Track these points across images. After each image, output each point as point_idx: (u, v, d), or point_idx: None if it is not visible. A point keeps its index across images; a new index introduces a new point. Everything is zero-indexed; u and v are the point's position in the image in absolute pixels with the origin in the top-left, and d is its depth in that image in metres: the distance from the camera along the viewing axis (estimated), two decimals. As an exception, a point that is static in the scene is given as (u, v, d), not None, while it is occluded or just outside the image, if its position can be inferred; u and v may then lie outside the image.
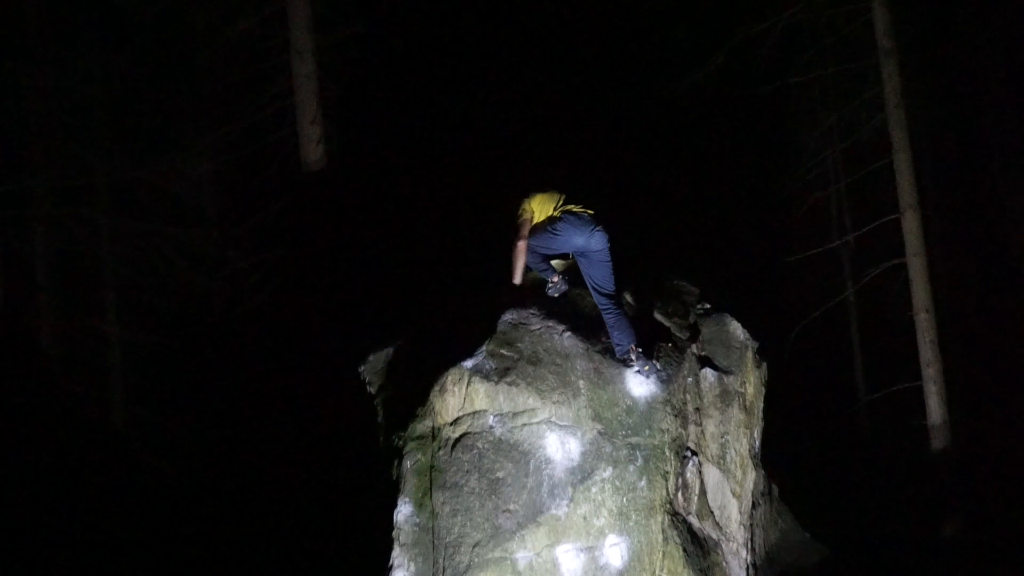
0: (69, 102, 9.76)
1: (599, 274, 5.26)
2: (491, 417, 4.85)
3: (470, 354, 4.95)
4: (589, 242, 5.25)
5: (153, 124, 10.11)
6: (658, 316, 5.66)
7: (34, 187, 9.39)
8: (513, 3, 10.88)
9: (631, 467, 4.92)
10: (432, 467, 4.76)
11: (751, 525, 5.61)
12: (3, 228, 9.26)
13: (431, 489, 4.71)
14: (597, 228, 5.27)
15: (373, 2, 9.39)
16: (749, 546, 5.51)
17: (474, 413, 4.85)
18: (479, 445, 4.80)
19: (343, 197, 8.88)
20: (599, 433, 4.94)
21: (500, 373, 4.91)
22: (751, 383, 5.71)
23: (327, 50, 9.26)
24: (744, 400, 5.64)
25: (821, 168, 10.69)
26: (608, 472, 4.88)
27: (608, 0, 10.91)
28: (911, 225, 8.33)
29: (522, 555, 4.67)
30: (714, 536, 5.30)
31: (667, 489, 4.99)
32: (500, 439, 4.82)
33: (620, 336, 5.16)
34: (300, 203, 9.00)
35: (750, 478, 5.64)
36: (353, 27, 9.24)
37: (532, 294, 5.44)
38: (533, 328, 5.20)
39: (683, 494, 5.16)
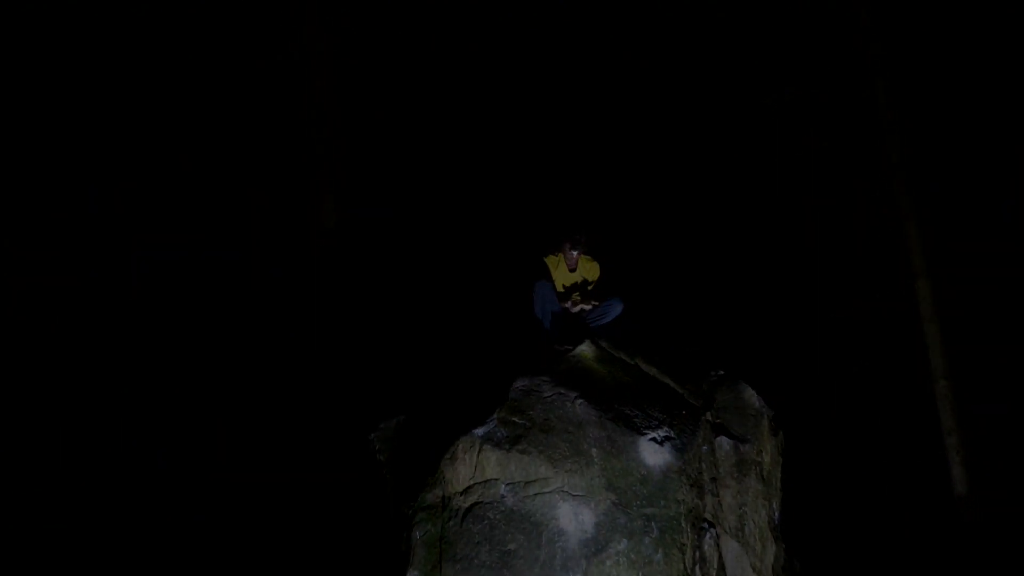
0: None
1: None
2: (503, 486, 4.78)
3: (481, 422, 4.92)
4: None
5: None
6: (671, 383, 5.62)
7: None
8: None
9: (646, 539, 4.79)
10: (442, 538, 4.66)
11: (773, 602, 5.41)
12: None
13: (441, 561, 4.60)
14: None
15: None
16: (772, 624, 5.30)
17: (485, 482, 4.78)
18: (490, 516, 4.70)
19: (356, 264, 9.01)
20: (613, 503, 4.83)
21: (511, 441, 4.86)
22: (768, 452, 5.60)
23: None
24: (761, 469, 5.52)
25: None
26: (623, 544, 4.75)
27: (607, 86, 11.19)
28: (924, 292, 8.31)
29: (534, 632, 4.51)
30: (735, 613, 5.11)
31: (684, 563, 4.83)
32: (512, 509, 4.73)
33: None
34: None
35: (770, 552, 5.46)
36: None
37: (544, 360, 5.44)
38: (545, 395, 5.17)
39: (701, 568, 5.00)
